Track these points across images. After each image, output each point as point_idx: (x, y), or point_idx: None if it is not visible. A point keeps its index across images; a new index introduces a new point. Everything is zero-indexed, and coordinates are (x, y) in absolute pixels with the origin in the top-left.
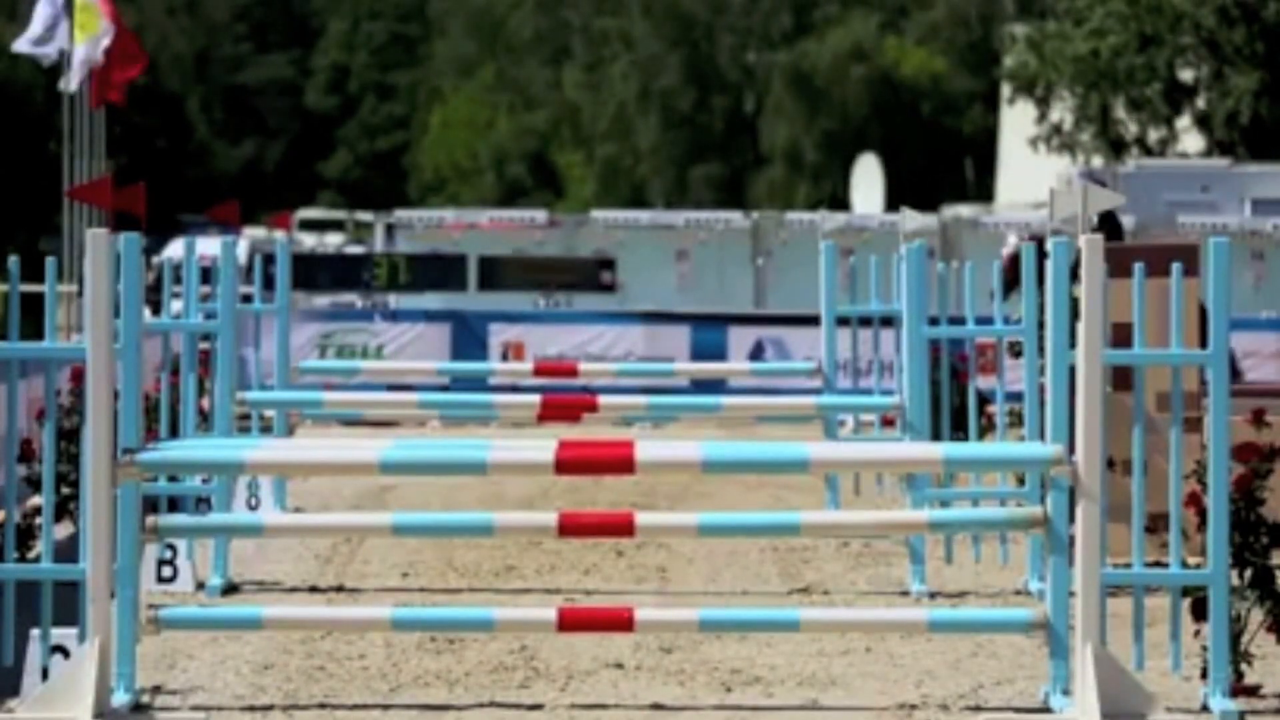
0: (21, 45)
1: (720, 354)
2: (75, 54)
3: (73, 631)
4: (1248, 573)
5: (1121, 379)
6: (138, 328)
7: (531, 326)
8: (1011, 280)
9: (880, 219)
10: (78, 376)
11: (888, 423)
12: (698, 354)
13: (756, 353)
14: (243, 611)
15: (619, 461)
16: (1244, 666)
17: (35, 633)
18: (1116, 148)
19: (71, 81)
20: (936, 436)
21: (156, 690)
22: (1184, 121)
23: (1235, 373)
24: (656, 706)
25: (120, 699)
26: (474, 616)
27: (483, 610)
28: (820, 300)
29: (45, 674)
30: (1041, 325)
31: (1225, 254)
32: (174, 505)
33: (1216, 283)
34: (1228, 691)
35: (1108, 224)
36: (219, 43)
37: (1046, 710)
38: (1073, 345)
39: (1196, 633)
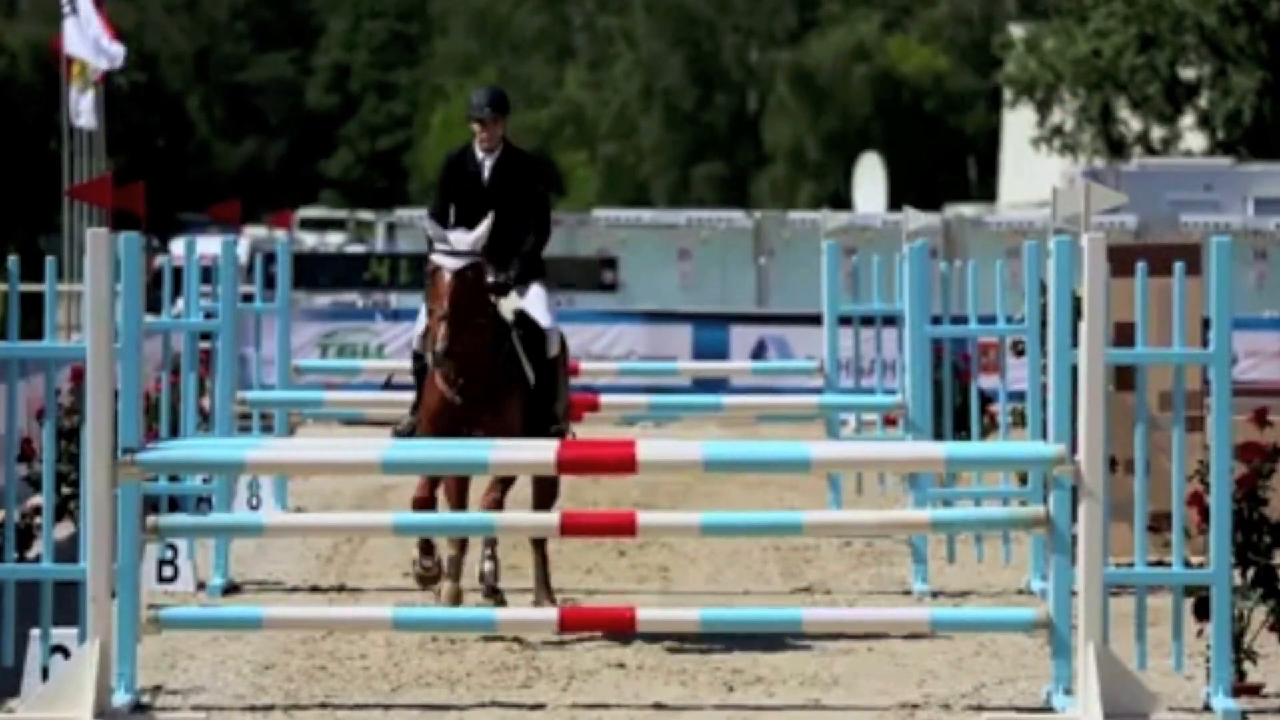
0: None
1: (722, 353)
2: (79, 100)
3: (73, 631)
4: (1250, 572)
5: (1124, 378)
6: (138, 327)
7: None
8: None
9: (883, 218)
10: (78, 376)
11: (890, 422)
12: (700, 353)
13: (759, 352)
14: (243, 611)
15: (620, 461)
16: (1246, 666)
17: (35, 633)
18: (1118, 147)
19: (80, 118)
20: (939, 436)
21: (157, 690)
22: (1186, 121)
23: None
24: (658, 706)
25: (121, 699)
26: (475, 616)
27: (484, 610)
28: (822, 299)
29: (46, 674)
30: (1044, 324)
31: (1228, 253)
32: (175, 505)
33: (1219, 282)
34: (1230, 691)
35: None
36: (219, 42)
37: (1049, 710)
38: (1075, 344)
39: (1199, 632)
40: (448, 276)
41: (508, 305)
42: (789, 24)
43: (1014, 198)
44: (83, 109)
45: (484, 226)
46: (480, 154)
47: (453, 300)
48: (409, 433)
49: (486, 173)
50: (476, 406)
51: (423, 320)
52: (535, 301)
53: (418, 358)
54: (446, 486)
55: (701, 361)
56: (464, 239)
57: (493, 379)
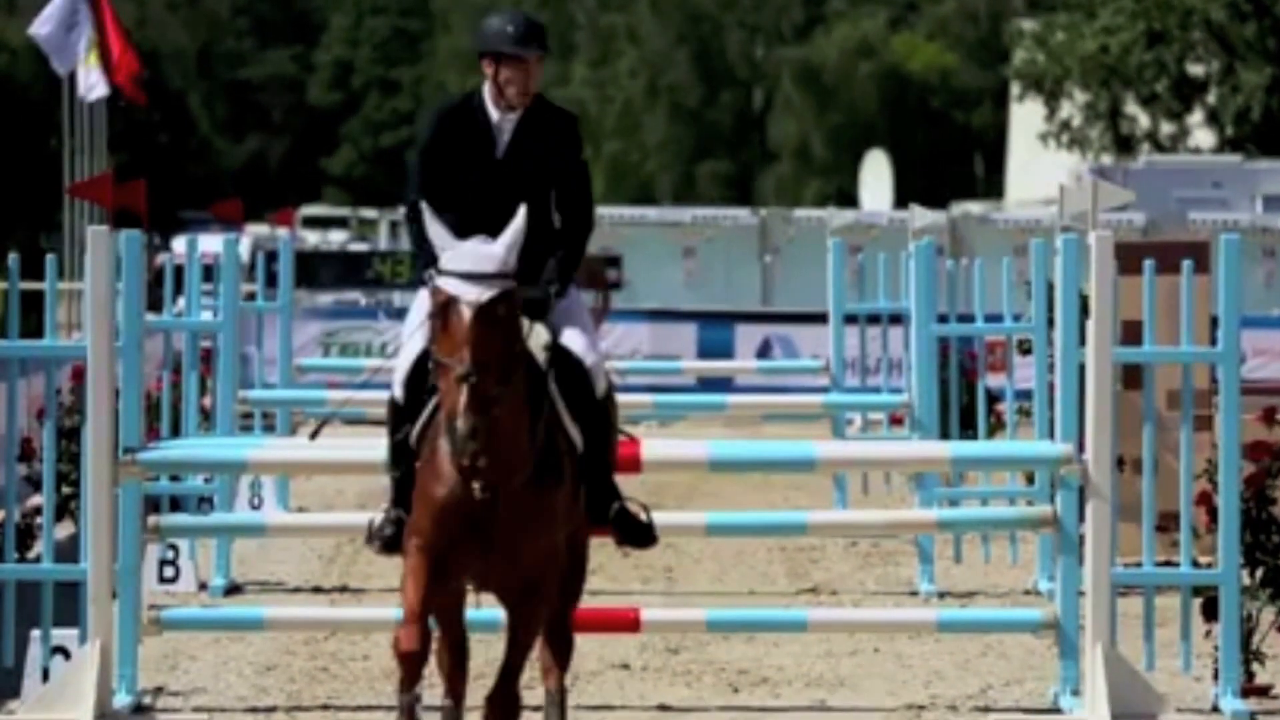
0: (40, 33)
1: (727, 352)
2: (90, 74)
3: (74, 632)
4: (1259, 572)
5: (1131, 377)
6: (139, 326)
7: None
8: None
9: (889, 216)
10: (78, 375)
11: (896, 421)
12: (704, 352)
13: (764, 351)
14: (245, 612)
15: (625, 460)
16: (1255, 666)
17: (36, 633)
18: (1126, 144)
19: (92, 92)
20: (945, 435)
21: (158, 691)
22: (1195, 117)
23: None
24: (663, 707)
25: (122, 700)
26: (478, 617)
27: (487, 610)
28: (828, 298)
29: (46, 675)
30: (1051, 323)
31: (1236, 251)
32: (176, 505)
33: (1227, 280)
34: (1239, 692)
35: None
36: (221, 38)
37: (1056, 711)
38: (1082, 343)
39: (1207, 633)
40: (468, 314)
41: (538, 339)
42: (795, 20)
43: (1021, 195)
44: (94, 80)
45: (514, 230)
46: (495, 112)
47: (479, 350)
48: (393, 536)
49: (505, 140)
50: (508, 508)
51: (407, 355)
52: (570, 325)
53: (397, 410)
54: (440, 659)
55: (706, 360)
56: (488, 254)
57: (527, 464)
